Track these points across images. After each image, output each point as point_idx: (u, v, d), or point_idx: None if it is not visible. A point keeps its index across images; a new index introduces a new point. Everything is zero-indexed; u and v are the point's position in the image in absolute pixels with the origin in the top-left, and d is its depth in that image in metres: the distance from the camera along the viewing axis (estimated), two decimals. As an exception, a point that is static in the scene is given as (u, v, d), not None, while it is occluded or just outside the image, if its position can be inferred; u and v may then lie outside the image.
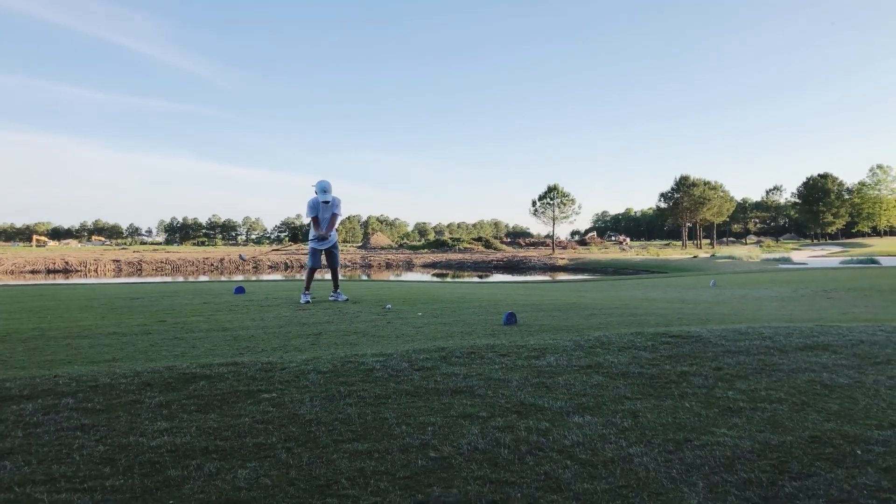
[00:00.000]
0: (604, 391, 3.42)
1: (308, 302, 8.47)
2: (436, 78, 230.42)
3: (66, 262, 43.80)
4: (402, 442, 2.65)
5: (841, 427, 2.90)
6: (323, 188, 8.87)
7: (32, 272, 40.10)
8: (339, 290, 9.02)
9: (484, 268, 51.01)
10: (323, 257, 9.08)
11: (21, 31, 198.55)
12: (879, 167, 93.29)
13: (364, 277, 36.83)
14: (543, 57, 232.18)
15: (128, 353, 4.51)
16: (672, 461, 2.48)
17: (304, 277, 9.00)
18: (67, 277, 37.28)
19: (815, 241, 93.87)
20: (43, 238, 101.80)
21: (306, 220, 8.99)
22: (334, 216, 9.06)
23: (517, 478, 2.31)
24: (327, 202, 8.82)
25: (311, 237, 9.07)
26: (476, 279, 35.82)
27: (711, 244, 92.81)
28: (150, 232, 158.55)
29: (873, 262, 33.68)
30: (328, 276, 9.35)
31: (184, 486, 2.21)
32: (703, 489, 2.23)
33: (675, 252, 65.98)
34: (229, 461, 2.44)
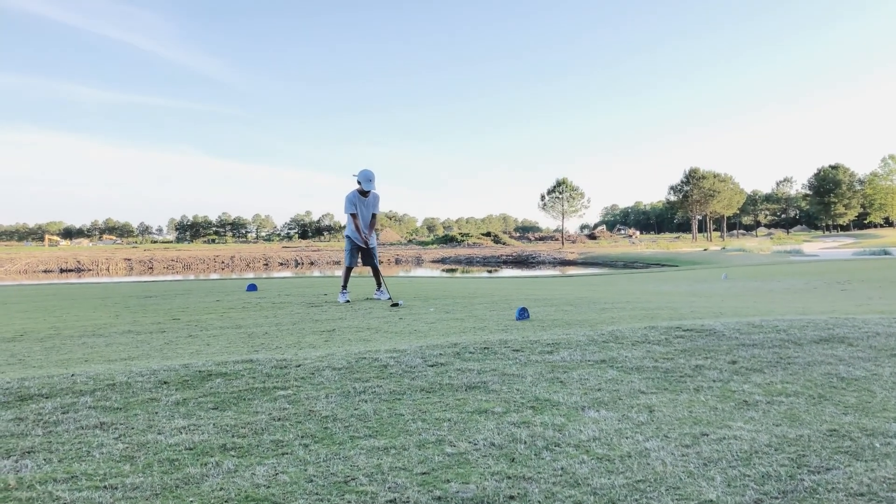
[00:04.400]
0: (618, 386, 3.41)
1: (347, 301, 8.03)
2: (444, 73, 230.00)
3: (79, 262, 44.12)
4: (418, 438, 2.66)
5: (859, 420, 2.89)
6: (367, 177, 8.17)
7: (45, 272, 40.43)
8: (381, 289, 8.53)
9: (493, 263, 50.98)
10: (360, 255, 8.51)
11: (29, 32, 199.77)
12: (892, 157, 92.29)
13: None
14: (552, 51, 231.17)
15: (143, 352, 4.54)
16: (689, 455, 2.47)
17: (340, 275, 8.46)
18: (80, 276, 37.57)
19: (827, 233, 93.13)
20: (55, 238, 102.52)
21: (344, 216, 8.41)
22: (374, 217, 8.45)
23: (534, 473, 2.31)
24: (366, 193, 8.21)
25: (347, 232, 8.45)
26: (486, 274, 35.80)
27: (722, 237, 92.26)
28: (160, 230, 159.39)
29: (886, 253, 33.42)
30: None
31: (203, 484, 2.23)
32: (721, 483, 2.22)
33: (685, 245, 65.64)
34: (247, 458, 2.45)
